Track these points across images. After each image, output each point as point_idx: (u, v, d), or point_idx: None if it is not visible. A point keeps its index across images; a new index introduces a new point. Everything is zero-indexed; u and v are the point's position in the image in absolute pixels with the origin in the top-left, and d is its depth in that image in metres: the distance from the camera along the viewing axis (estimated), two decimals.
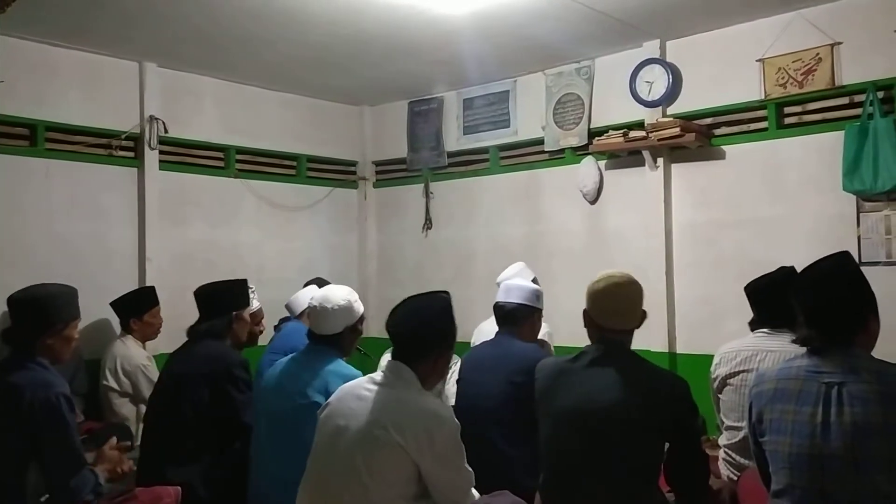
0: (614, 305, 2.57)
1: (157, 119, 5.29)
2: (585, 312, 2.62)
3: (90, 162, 5.08)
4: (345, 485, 2.26)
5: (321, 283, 4.54)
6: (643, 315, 2.63)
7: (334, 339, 3.11)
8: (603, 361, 2.52)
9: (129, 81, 5.27)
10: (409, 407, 2.30)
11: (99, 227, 5.11)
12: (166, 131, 5.34)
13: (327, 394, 2.82)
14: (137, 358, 4.62)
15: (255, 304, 3.96)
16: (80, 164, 5.02)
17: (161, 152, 5.37)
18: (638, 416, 2.42)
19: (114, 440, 3.17)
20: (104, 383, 4.59)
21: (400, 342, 2.45)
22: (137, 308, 4.75)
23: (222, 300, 3.47)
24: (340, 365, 3.08)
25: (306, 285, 4.85)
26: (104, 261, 5.10)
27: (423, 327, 2.44)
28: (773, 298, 2.95)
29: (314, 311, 3.13)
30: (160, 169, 5.36)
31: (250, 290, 3.78)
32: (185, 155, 5.59)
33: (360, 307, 3.20)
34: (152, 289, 4.92)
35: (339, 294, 3.15)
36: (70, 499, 2.65)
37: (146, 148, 5.27)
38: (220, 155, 5.81)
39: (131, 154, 5.29)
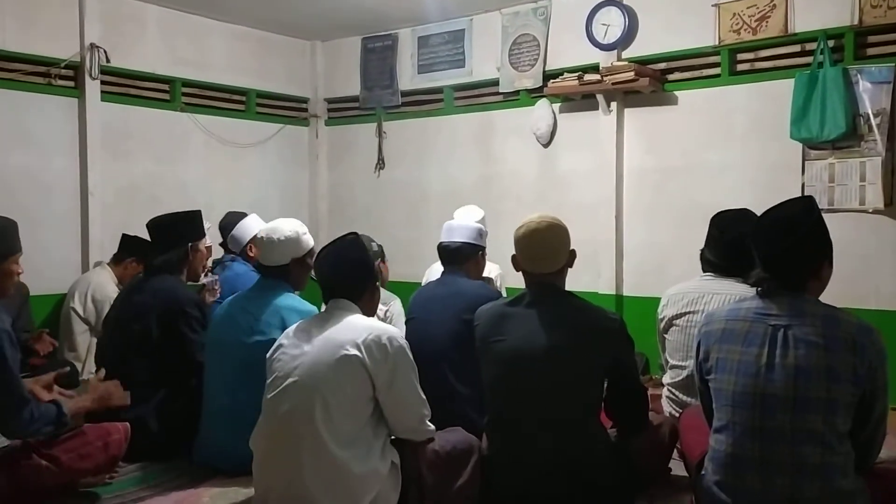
0: (536, 252, 2.61)
1: (98, 47, 5.07)
2: (514, 258, 2.66)
3: (27, 91, 4.86)
4: (307, 406, 2.30)
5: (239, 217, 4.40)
6: (571, 255, 2.66)
7: (282, 271, 3.10)
8: (540, 303, 2.58)
9: (68, 7, 5.02)
10: (362, 326, 2.43)
11: (37, 160, 4.92)
12: (108, 61, 5.13)
13: (284, 328, 2.83)
14: (109, 289, 4.62)
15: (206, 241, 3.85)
16: (16, 92, 4.81)
17: (103, 83, 5.17)
18: (576, 354, 2.49)
19: (102, 372, 3.08)
20: (70, 305, 4.62)
21: (334, 292, 2.58)
22: (142, 254, 4.64)
23: (177, 231, 3.39)
24: (295, 300, 3.08)
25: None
26: (43, 194, 4.94)
27: (349, 277, 2.60)
28: (742, 246, 2.91)
29: (262, 243, 3.13)
30: (102, 100, 5.17)
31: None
32: (129, 86, 5.40)
33: (308, 241, 3.18)
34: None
35: (286, 226, 3.14)
36: (19, 433, 2.59)
37: (87, 77, 5.06)
38: (166, 87, 5.62)
39: (71, 84, 5.08)
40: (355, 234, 2.73)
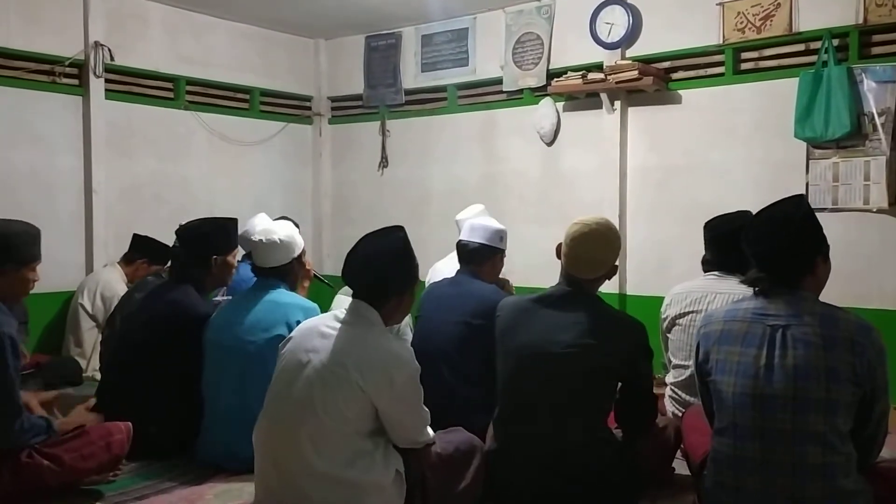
0: (579, 254, 2.57)
1: (102, 45, 5.07)
2: (559, 247, 2.63)
3: (31, 89, 4.87)
4: (301, 417, 2.27)
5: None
6: (613, 269, 2.63)
7: (283, 270, 3.15)
8: (565, 303, 2.56)
9: (72, 5, 5.03)
10: (371, 347, 2.29)
11: (41, 158, 4.93)
12: (112, 59, 5.13)
13: (289, 326, 2.84)
14: (118, 288, 4.66)
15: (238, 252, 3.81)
16: (20, 90, 4.82)
17: (107, 81, 5.17)
18: (595, 357, 2.48)
19: (91, 402, 3.10)
20: (79, 301, 4.68)
21: (361, 290, 2.40)
22: (153, 255, 4.76)
23: (208, 243, 3.33)
24: (297, 297, 3.12)
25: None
26: (47, 192, 4.94)
27: (382, 276, 2.38)
28: (730, 242, 2.93)
29: (259, 245, 3.14)
30: (106, 98, 5.17)
31: None
32: (133, 84, 5.41)
33: (301, 240, 3.27)
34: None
35: (281, 227, 3.20)
36: (12, 443, 2.57)
37: (91, 76, 5.07)
38: (170, 85, 5.63)
39: (75, 82, 5.09)
40: (402, 229, 2.46)
